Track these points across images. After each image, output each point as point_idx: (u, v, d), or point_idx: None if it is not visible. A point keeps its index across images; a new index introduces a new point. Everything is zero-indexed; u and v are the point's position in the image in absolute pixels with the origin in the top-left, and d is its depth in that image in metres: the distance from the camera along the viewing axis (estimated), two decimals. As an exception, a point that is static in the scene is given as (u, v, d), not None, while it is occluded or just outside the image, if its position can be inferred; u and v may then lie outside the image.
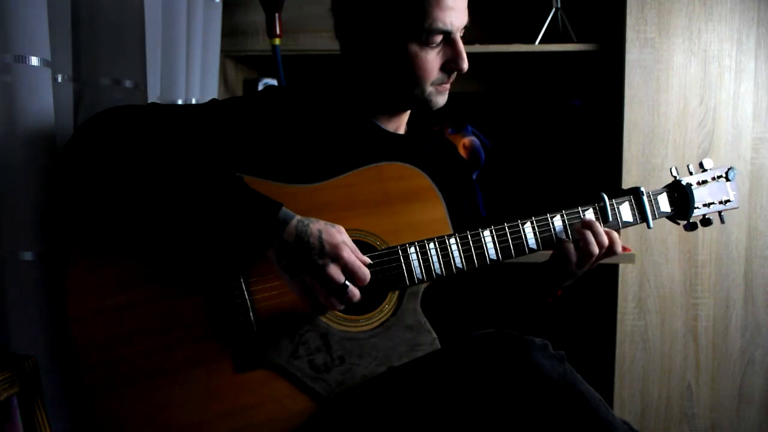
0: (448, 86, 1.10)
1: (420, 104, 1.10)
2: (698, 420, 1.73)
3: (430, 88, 1.08)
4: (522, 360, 0.89)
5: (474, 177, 1.89)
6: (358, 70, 1.13)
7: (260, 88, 1.93)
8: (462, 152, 1.87)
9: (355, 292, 0.91)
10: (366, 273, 0.92)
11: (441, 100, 1.10)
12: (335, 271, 0.90)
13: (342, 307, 0.92)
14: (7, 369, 0.92)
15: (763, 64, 1.67)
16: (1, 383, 0.90)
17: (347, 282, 0.90)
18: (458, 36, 1.06)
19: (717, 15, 1.67)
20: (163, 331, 0.95)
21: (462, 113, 1.86)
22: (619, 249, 1.09)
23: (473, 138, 1.86)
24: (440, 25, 1.02)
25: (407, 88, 1.08)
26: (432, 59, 1.05)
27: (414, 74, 1.06)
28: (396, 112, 1.15)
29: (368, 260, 0.95)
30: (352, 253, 0.91)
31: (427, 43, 1.03)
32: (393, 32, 1.03)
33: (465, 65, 1.06)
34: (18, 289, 1.00)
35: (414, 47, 1.04)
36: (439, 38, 1.04)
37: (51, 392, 1.02)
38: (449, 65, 1.07)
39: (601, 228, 1.08)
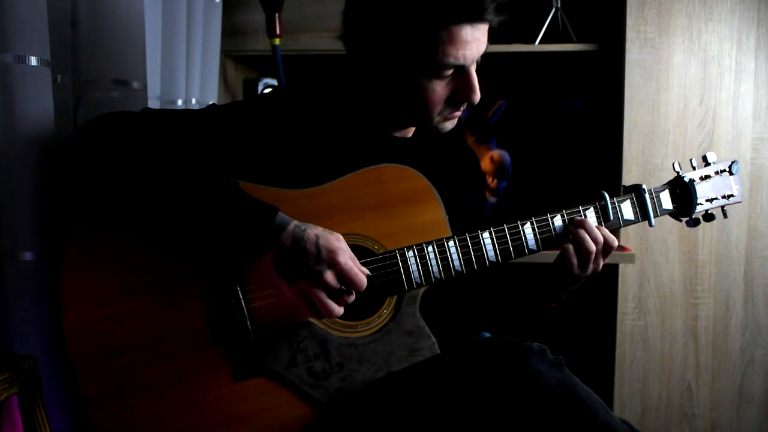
0: (457, 115, 1.07)
1: (427, 128, 1.09)
2: (698, 420, 1.73)
3: (437, 118, 1.05)
4: (520, 367, 0.89)
5: (504, 185, 1.89)
6: (365, 85, 1.10)
7: (260, 87, 1.93)
8: (488, 165, 1.88)
9: (352, 298, 0.91)
10: (363, 280, 0.91)
11: (448, 125, 1.08)
12: (331, 278, 0.89)
13: (340, 313, 0.92)
14: (7, 369, 0.91)
15: (763, 64, 1.67)
16: (1, 383, 0.90)
17: (343, 287, 0.90)
18: (472, 68, 1.01)
19: (717, 15, 1.67)
20: (160, 341, 0.95)
21: (483, 120, 1.86)
22: (615, 243, 1.08)
23: (504, 153, 1.86)
24: (452, 60, 0.97)
25: (413, 115, 1.06)
26: (440, 91, 1.01)
27: (421, 105, 1.03)
28: (403, 127, 1.14)
29: (367, 272, 0.94)
30: (349, 259, 0.91)
31: (437, 76, 0.99)
32: (402, 62, 0.99)
33: (476, 98, 1.01)
34: (18, 289, 1.00)
35: (423, 80, 1.00)
36: (449, 71, 0.99)
37: (51, 392, 1.02)
38: (458, 96, 1.02)
39: (593, 225, 1.07)
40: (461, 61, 0.97)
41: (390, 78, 1.03)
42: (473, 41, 0.97)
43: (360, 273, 0.91)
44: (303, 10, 1.87)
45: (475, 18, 0.95)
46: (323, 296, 0.90)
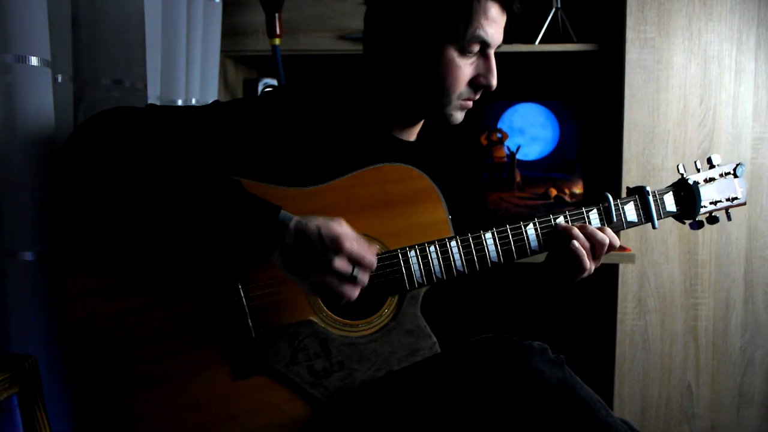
0: (470, 104, 1.08)
1: (439, 117, 1.08)
2: (698, 420, 1.73)
3: (455, 101, 1.06)
4: (521, 366, 0.89)
5: None
6: (380, 75, 1.10)
7: (260, 87, 1.93)
8: None
9: (365, 278, 0.91)
10: (372, 259, 0.91)
11: (459, 116, 1.09)
12: (341, 264, 0.89)
13: (354, 296, 0.91)
14: (7, 369, 0.91)
15: (763, 64, 1.67)
16: (1, 383, 0.90)
17: (354, 273, 0.90)
18: (492, 52, 1.05)
19: (717, 15, 1.67)
20: (160, 338, 0.95)
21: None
22: (617, 242, 1.08)
23: None
24: (483, 35, 1.01)
25: (432, 96, 1.05)
26: (465, 68, 1.03)
27: (444, 81, 1.03)
28: (410, 124, 1.14)
29: (375, 252, 0.93)
30: (354, 242, 0.90)
31: (465, 50, 1.02)
32: (433, 32, 1.01)
33: (494, 82, 1.05)
34: (18, 289, 1.00)
35: (452, 52, 1.02)
36: (476, 48, 1.02)
37: (51, 392, 1.02)
38: (479, 79, 1.05)
39: (589, 229, 1.06)
40: (489, 38, 1.02)
41: (417, 52, 1.03)
42: (498, 23, 1.03)
43: (368, 253, 0.91)
44: (303, 10, 1.87)
45: None
46: (336, 282, 0.90)
